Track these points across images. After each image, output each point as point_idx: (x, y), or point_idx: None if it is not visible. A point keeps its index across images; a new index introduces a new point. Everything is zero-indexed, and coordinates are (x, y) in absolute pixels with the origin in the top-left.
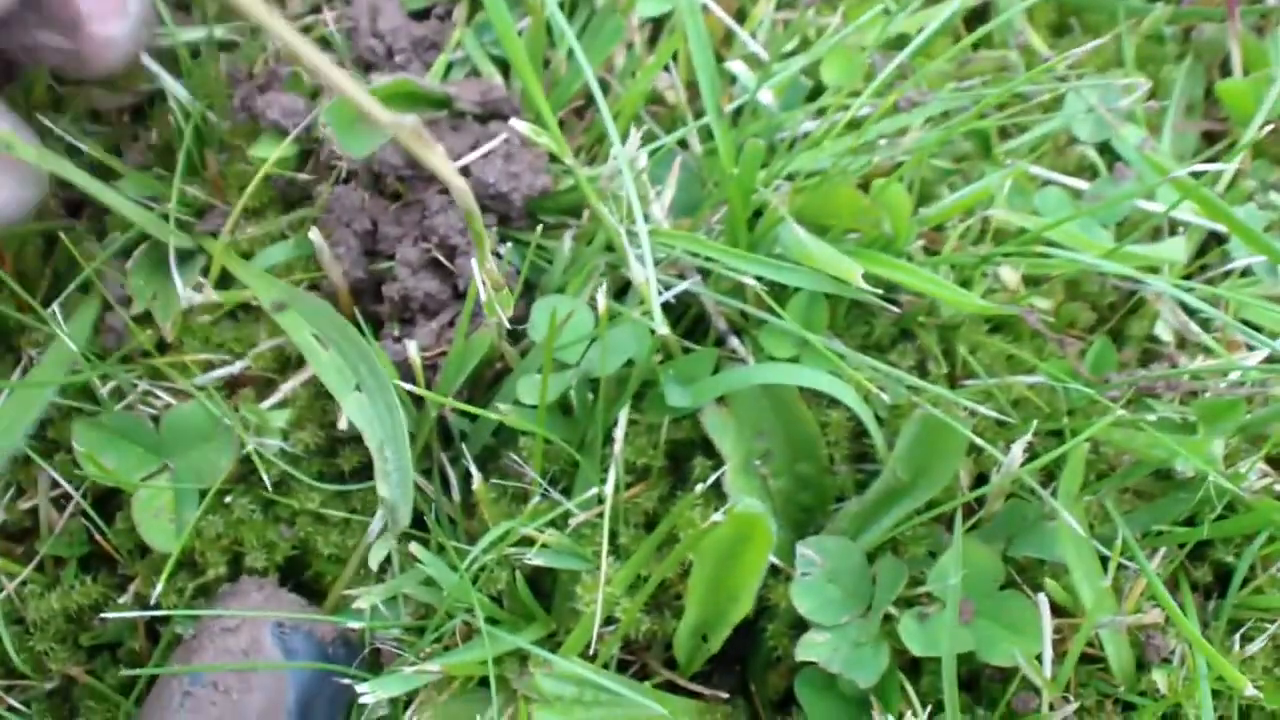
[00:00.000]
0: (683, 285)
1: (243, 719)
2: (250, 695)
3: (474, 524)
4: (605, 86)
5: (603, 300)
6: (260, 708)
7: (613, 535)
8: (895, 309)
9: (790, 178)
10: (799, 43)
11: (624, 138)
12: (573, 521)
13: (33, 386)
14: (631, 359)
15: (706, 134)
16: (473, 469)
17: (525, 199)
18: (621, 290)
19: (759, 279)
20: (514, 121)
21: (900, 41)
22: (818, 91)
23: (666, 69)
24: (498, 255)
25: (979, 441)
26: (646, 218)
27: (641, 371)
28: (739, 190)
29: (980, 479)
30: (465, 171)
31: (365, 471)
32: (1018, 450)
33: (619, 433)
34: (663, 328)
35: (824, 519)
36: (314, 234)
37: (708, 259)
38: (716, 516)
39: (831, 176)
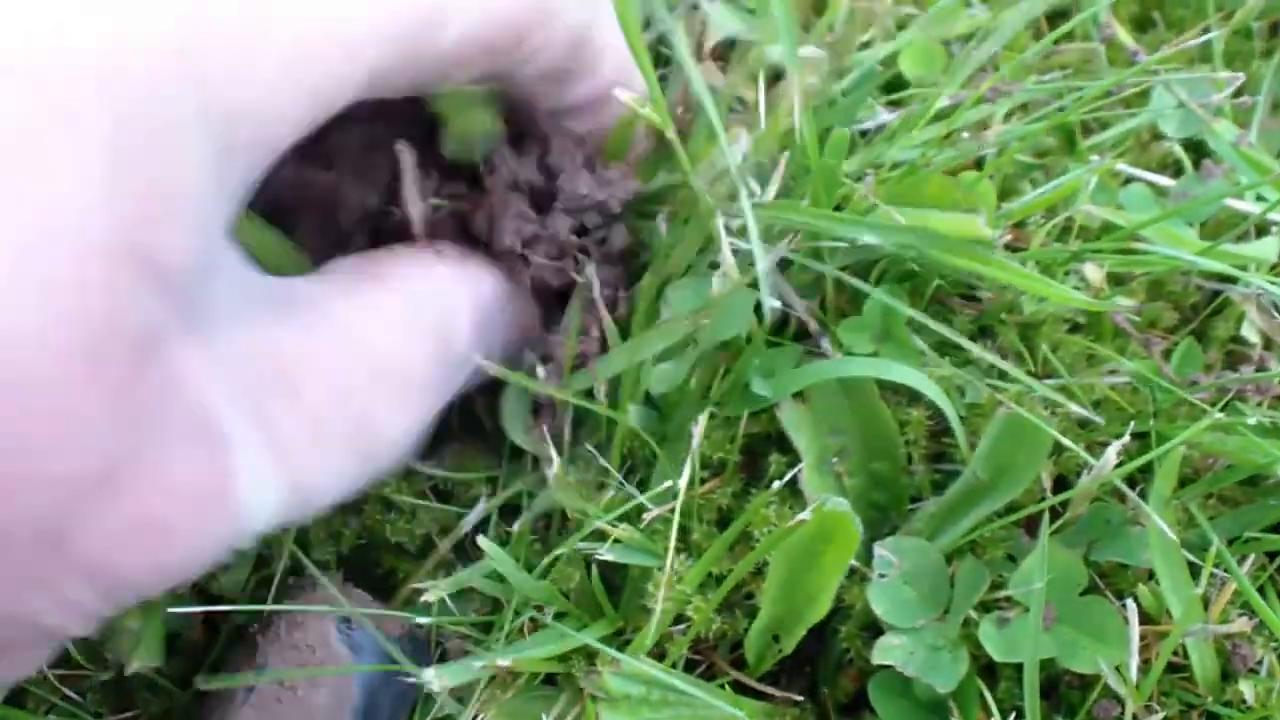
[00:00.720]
0: (779, 251)
1: (309, 716)
2: (316, 692)
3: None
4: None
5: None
6: (326, 704)
7: (685, 531)
8: (976, 305)
9: (874, 169)
10: (877, 32)
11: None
12: (646, 516)
13: None
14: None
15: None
16: (554, 455)
17: (622, 204)
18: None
19: (844, 268)
20: (618, 91)
21: (980, 34)
22: (894, 82)
23: None
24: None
25: (1065, 442)
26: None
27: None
28: (824, 180)
29: (1060, 480)
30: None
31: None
32: (1111, 454)
33: (699, 427)
34: (773, 300)
35: (899, 519)
36: None
37: (811, 235)
38: (803, 516)
39: (917, 167)
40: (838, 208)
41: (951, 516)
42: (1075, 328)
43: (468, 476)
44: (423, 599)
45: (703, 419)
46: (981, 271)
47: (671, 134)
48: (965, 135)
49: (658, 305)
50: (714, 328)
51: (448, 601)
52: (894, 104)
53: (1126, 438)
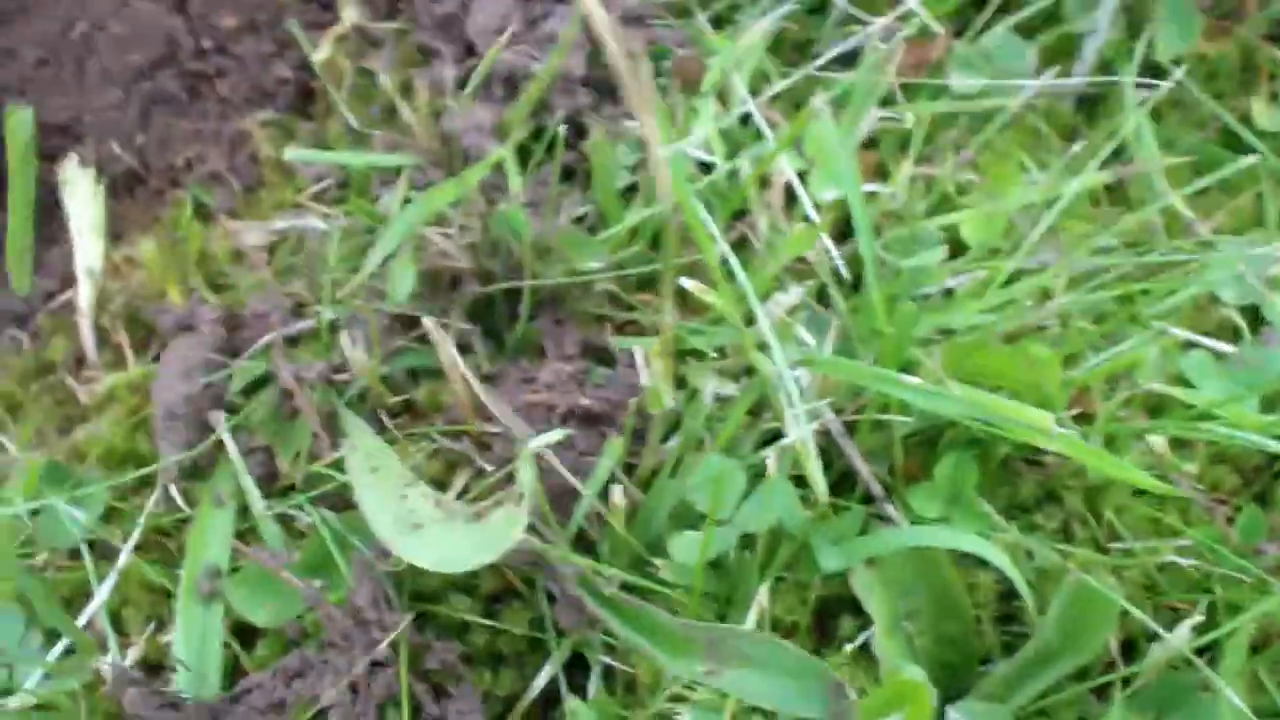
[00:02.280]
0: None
1: None
2: None
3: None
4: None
5: (773, 464)
6: None
7: None
8: (1042, 470)
9: (941, 334)
10: (938, 199)
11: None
12: None
13: None
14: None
15: (847, 291)
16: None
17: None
18: (768, 439)
19: (909, 437)
20: (684, 280)
21: (1040, 205)
22: (953, 239)
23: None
24: None
25: (1135, 612)
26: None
27: (792, 531)
28: (891, 349)
29: (1127, 641)
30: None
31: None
32: (1184, 629)
33: (763, 596)
34: (823, 493)
35: (968, 679)
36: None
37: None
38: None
39: (981, 336)
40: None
41: (1022, 680)
42: (1139, 492)
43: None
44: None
45: (764, 588)
46: (1057, 451)
47: (738, 321)
48: (1028, 303)
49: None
50: (756, 518)
51: None
52: (953, 263)
53: (1198, 616)
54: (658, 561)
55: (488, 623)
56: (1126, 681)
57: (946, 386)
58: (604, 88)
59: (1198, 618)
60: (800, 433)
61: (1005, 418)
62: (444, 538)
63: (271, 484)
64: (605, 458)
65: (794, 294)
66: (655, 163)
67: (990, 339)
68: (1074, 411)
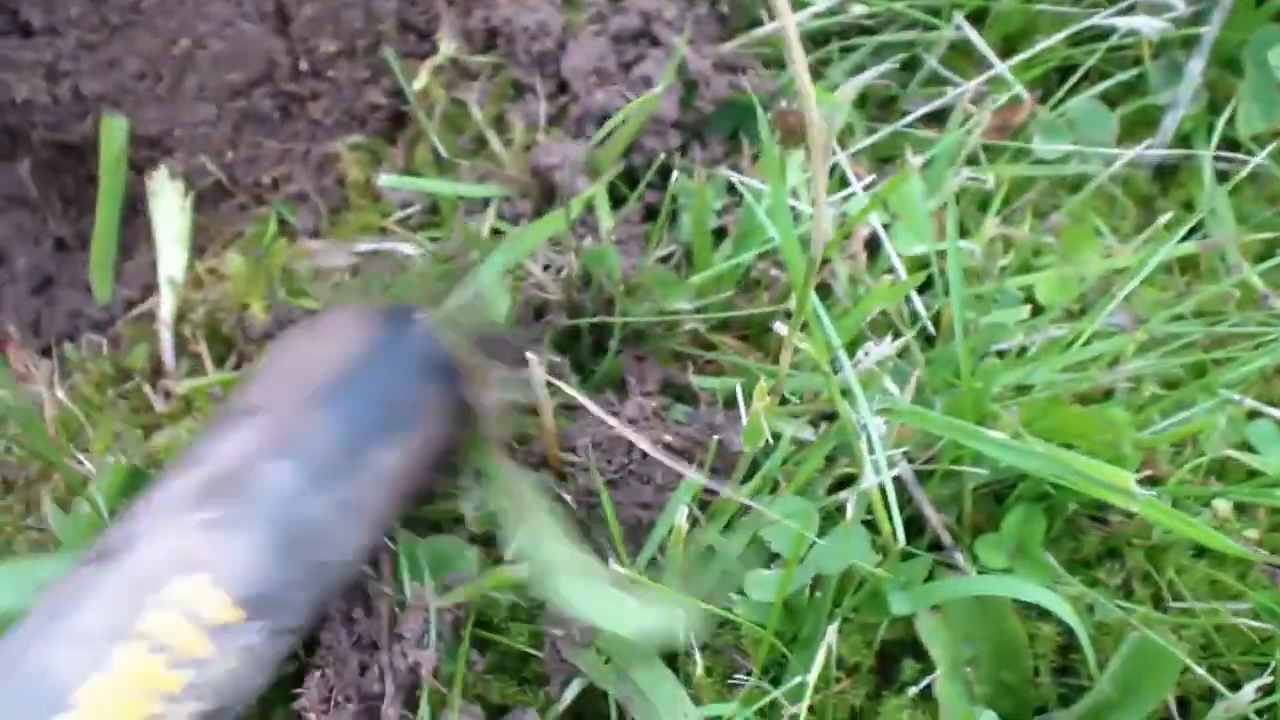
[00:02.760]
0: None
1: None
2: None
3: None
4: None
5: (852, 507)
6: None
7: None
8: (1105, 527)
9: (1017, 391)
10: (1014, 260)
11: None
12: (785, 715)
13: None
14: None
15: (924, 344)
16: (698, 657)
17: None
18: (840, 485)
19: (978, 488)
20: (778, 325)
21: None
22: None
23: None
24: None
25: (1198, 670)
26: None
27: (864, 575)
28: (971, 403)
29: (1181, 700)
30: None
31: None
32: (1249, 690)
33: (831, 636)
34: (899, 539)
35: None
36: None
37: (954, 457)
38: None
39: (1057, 395)
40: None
41: None
42: (1199, 554)
43: None
44: None
45: (833, 629)
46: (1136, 513)
47: (825, 366)
48: (1101, 366)
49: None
50: (831, 560)
51: None
52: (1030, 321)
53: (1264, 678)
54: (734, 596)
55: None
56: None
57: (1028, 442)
58: (692, 131)
59: (1266, 679)
60: (879, 479)
61: (1086, 475)
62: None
63: None
64: (682, 492)
65: (886, 346)
66: (817, 215)
67: (1065, 398)
68: (1143, 474)
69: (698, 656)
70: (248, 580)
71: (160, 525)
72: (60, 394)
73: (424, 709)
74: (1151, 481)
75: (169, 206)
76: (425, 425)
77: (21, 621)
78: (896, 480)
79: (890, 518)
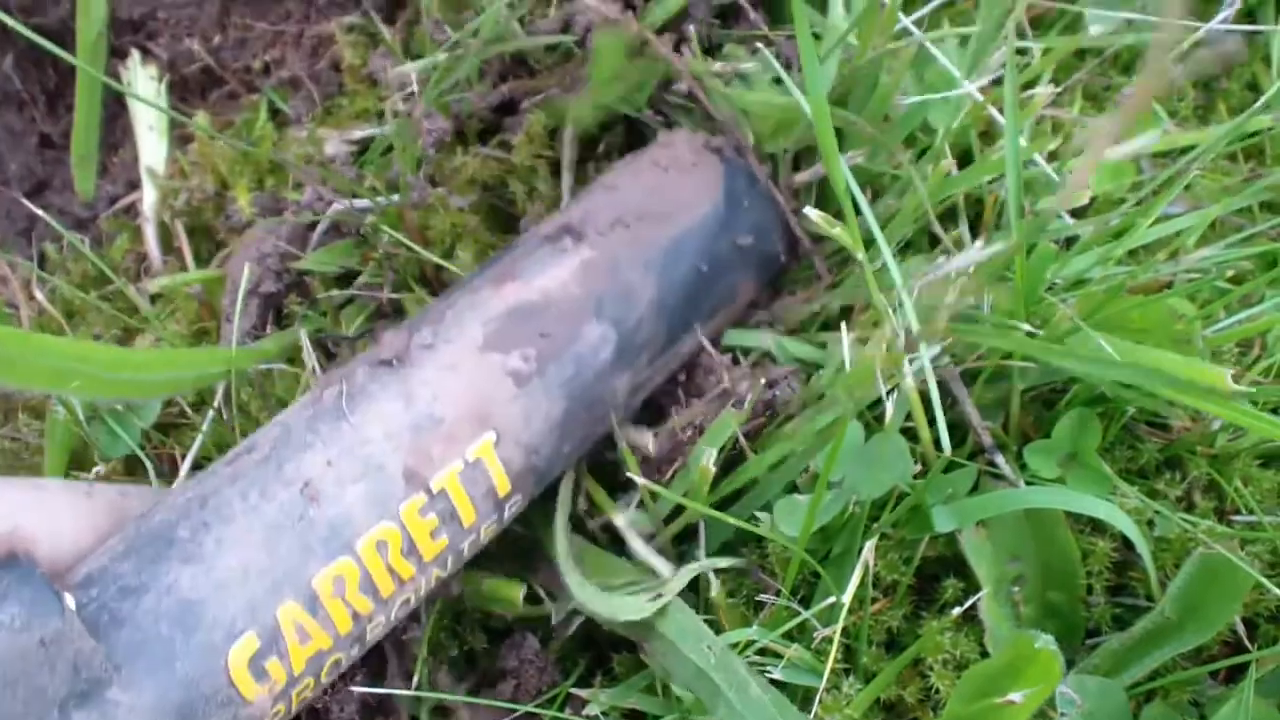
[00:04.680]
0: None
1: None
2: None
3: None
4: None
5: (891, 408)
6: None
7: (851, 652)
8: (1165, 434)
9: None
10: (1063, 142)
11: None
12: (816, 636)
13: None
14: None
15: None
16: (714, 579)
17: None
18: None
19: (1029, 390)
20: (808, 210)
21: (1170, 151)
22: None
23: None
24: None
25: (1270, 586)
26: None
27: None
28: (1027, 293)
29: (1246, 621)
30: None
31: None
32: None
33: (869, 554)
34: (945, 447)
35: (1072, 653)
36: None
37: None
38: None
39: (1117, 290)
40: (1036, 327)
41: (1134, 655)
42: (1266, 461)
43: None
44: (585, 711)
45: (871, 545)
46: (1221, 415)
47: (861, 255)
48: (1160, 259)
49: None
50: (869, 481)
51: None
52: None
53: None
54: (761, 517)
55: None
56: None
57: (1080, 336)
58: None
59: None
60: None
61: (1170, 376)
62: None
63: None
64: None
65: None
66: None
67: (1127, 295)
68: None
69: (713, 579)
70: (528, 453)
71: (464, 351)
72: (40, 296)
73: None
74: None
75: (145, 93)
76: (746, 296)
77: (310, 414)
78: (939, 384)
79: (932, 422)
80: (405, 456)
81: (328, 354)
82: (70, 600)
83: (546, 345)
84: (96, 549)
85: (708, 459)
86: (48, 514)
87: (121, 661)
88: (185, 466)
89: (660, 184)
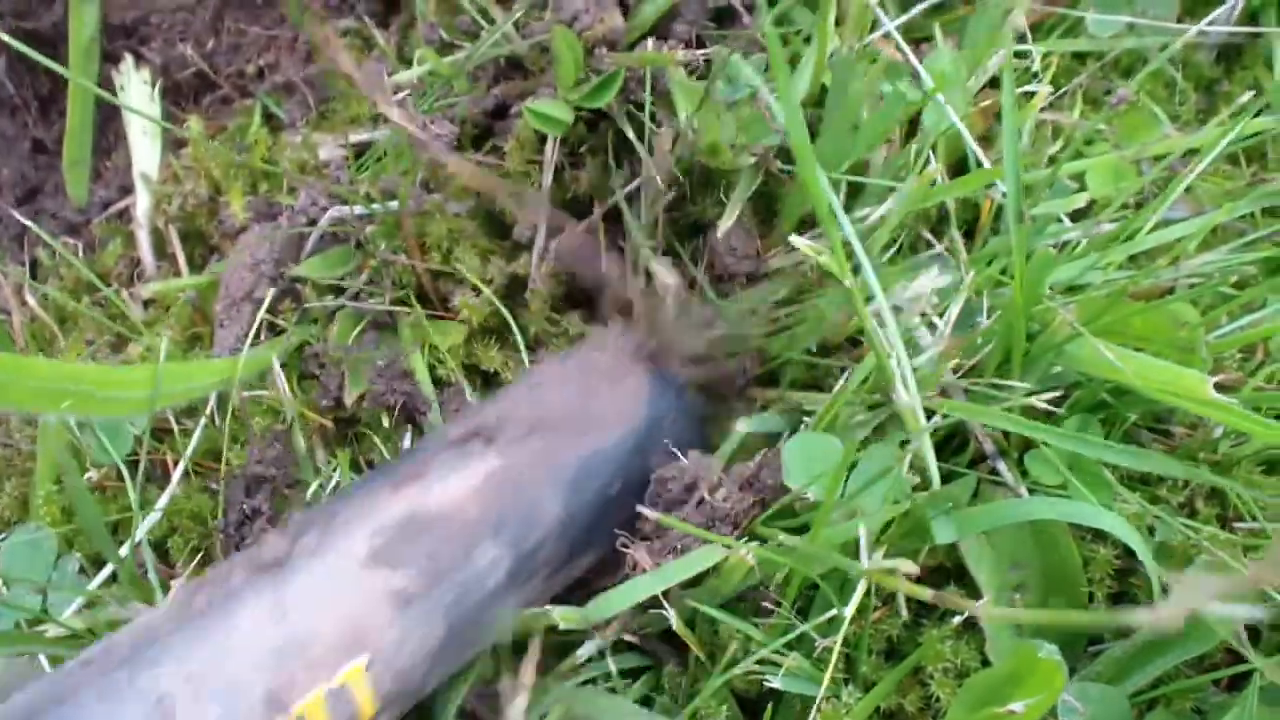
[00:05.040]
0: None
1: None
2: None
3: None
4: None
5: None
6: None
7: (850, 661)
8: (1168, 440)
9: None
10: (1063, 146)
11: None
12: (817, 645)
13: None
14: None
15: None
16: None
17: None
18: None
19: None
20: (794, 238)
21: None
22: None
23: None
24: None
25: (1273, 594)
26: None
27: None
28: (1024, 299)
29: (1251, 631)
30: None
31: None
32: None
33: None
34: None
35: (1074, 660)
36: None
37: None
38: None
39: (1119, 292)
40: (1034, 334)
41: (1137, 663)
42: (1270, 468)
43: None
44: None
45: (877, 555)
46: (1196, 410)
47: (849, 282)
48: (1160, 263)
49: None
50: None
51: None
52: (1075, 217)
53: None
54: (764, 531)
55: None
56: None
57: (1088, 341)
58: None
59: None
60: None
61: (1159, 380)
62: None
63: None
64: None
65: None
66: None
67: (1127, 301)
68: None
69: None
70: (401, 678)
71: (347, 563)
72: (32, 302)
73: None
74: (1220, 389)
75: (138, 98)
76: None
77: (177, 619)
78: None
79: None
80: (269, 677)
81: (312, 375)
82: None
83: (434, 567)
84: None
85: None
86: None
87: None
88: (177, 474)
89: (584, 392)
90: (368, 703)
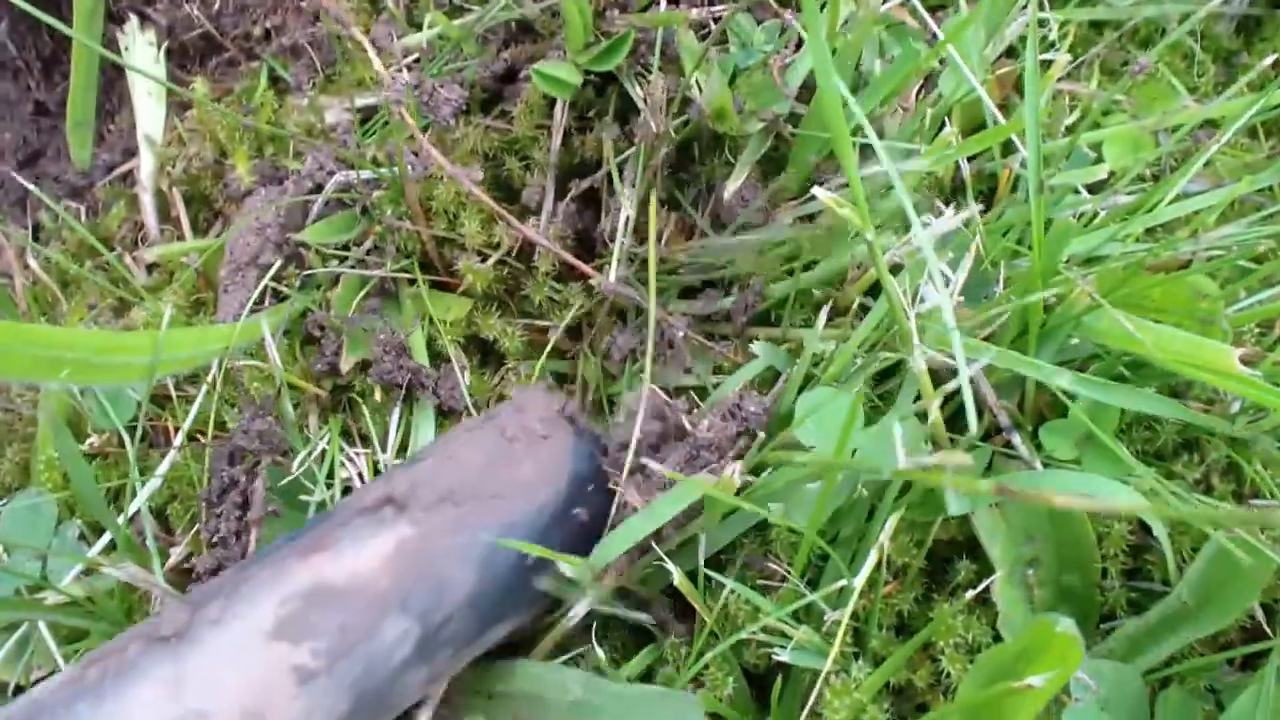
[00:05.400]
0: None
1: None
2: None
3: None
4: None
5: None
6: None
7: (860, 635)
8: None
9: (1082, 263)
10: (1080, 116)
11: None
12: (826, 619)
13: None
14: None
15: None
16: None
17: None
18: (886, 373)
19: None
20: (816, 190)
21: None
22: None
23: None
24: None
25: None
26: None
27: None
28: (1041, 269)
29: (1266, 610)
30: None
31: None
32: None
33: (885, 537)
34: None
35: (1085, 637)
36: None
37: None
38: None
39: (1137, 263)
40: (1053, 304)
41: (1151, 641)
42: None
43: None
44: None
45: (891, 522)
46: (1215, 383)
47: (870, 235)
48: (1180, 237)
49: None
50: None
51: None
52: (1092, 190)
53: None
54: (773, 507)
55: None
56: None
57: (1107, 313)
58: None
59: None
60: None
61: (1183, 353)
62: None
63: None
64: None
65: (948, 219)
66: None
67: (1146, 273)
68: None
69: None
70: None
71: (250, 636)
72: (34, 265)
73: None
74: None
75: (143, 59)
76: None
77: (69, 692)
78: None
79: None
80: None
81: (313, 339)
82: None
83: (339, 640)
84: None
85: None
86: None
87: None
88: (177, 440)
89: (502, 457)
90: None
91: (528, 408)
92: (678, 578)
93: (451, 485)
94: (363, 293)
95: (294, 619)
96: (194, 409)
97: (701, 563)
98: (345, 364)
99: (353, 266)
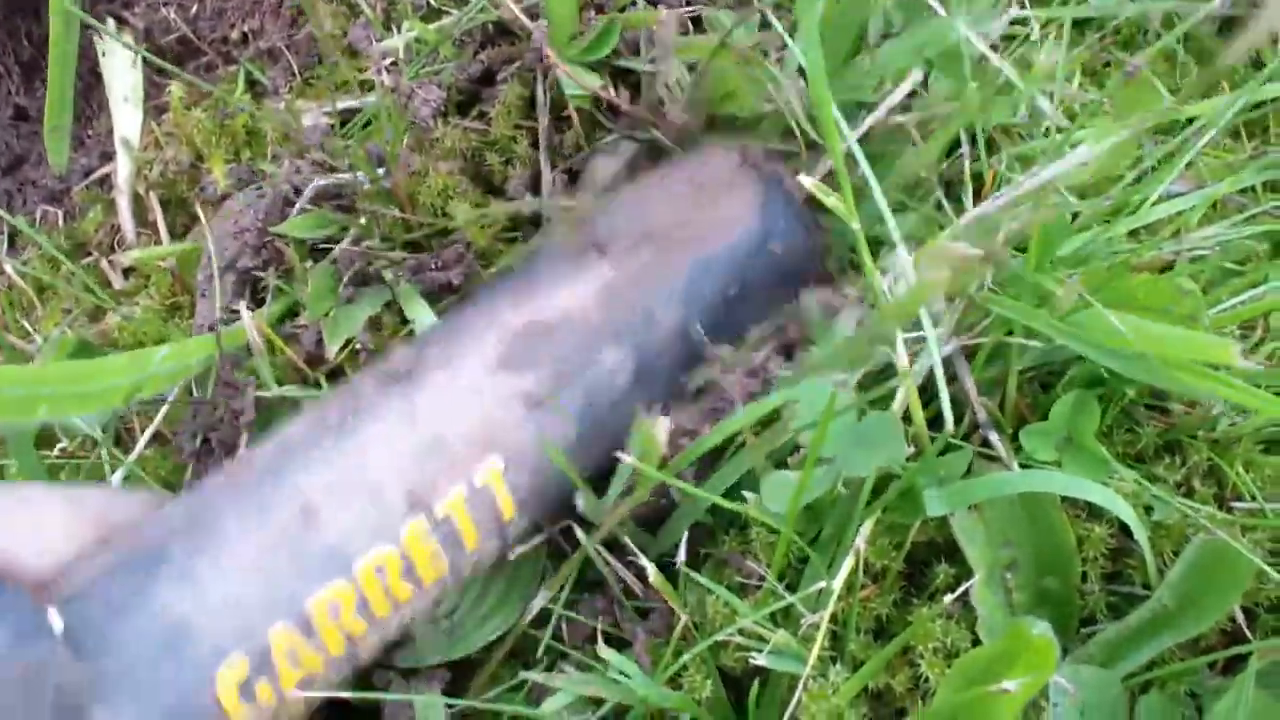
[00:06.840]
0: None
1: None
2: None
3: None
4: None
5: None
6: None
7: (837, 639)
8: (1165, 418)
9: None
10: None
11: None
12: (804, 622)
13: None
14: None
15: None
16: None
17: None
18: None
19: (1026, 370)
20: (803, 177)
21: (1171, 128)
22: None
23: None
24: None
25: (1273, 575)
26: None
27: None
28: (1036, 269)
29: (1247, 613)
30: None
31: None
32: None
33: (861, 541)
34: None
35: (1064, 642)
36: None
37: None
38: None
39: (1125, 264)
40: (1039, 303)
41: (1131, 645)
42: (1268, 447)
43: None
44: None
45: (866, 530)
46: (1227, 398)
47: (857, 226)
48: (1163, 238)
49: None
50: (861, 460)
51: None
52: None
53: None
54: (749, 496)
55: None
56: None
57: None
58: None
59: None
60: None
61: (1181, 351)
62: None
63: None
64: None
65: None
66: None
67: (1131, 273)
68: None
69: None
70: (536, 481)
71: (475, 370)
72: (9, 269)
73: None
74: (1216, 366)
75: (120, 63)
76: (775, 314)
77: (311, 432)
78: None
79: (940, 401)
80: (409, 480)
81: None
82: (57, 621)
83: (561, 368)
84: (83, 559)
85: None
86: (33, 523)
87: (107, 685)
88: (142, 441)
89: (693, 201)
90: (507, 502)
91: (711, 158)
92: (652, 574)
93: (649, 227)
94: (342, 282)
95: (514, 353)
96: (163, 410)
97: (683, 558)
98: (330, 351)
99: (334, 261)
